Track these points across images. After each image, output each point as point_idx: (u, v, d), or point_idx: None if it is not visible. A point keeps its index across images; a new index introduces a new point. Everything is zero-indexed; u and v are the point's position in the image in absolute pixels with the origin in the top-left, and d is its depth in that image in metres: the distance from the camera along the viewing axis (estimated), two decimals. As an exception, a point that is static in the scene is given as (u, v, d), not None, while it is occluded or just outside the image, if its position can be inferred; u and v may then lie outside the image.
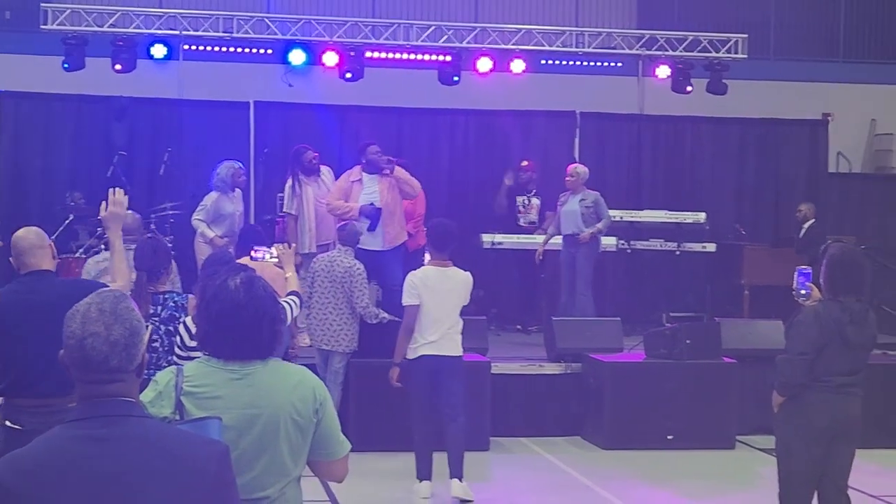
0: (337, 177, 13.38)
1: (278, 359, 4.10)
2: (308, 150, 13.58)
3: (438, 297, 9.53)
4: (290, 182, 13.44)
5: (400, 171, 12.89)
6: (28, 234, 6.47)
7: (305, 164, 13.44)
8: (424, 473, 9.69)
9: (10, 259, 6.53)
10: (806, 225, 15.94)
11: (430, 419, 9.65)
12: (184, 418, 3.85)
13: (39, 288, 6.25)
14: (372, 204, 12.69)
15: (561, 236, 14.02)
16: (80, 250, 13.39)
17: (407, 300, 9.57)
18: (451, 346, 9.59)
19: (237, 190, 13.46)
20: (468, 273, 9.75)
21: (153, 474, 2.97)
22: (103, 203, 6.82)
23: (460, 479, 9.59)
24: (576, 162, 15.41)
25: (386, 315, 11.54)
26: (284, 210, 13.49)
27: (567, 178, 14.01)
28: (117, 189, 6.83)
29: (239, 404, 3.93)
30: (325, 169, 13.70)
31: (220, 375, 3.97)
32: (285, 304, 7.04)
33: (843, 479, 7.22)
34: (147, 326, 3.37)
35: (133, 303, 3.20)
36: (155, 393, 3.93)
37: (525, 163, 15.69)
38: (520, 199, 15.57)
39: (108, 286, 6.26)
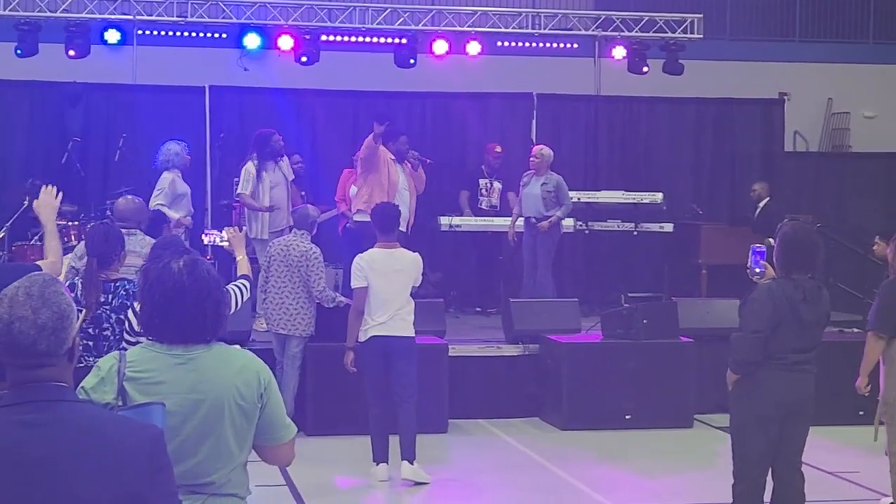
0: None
1: (221, 343, 4.06)
2: (275, 133, 13.47)
3: (386, 278, 9.55)
4: (251, 165, 13.23)
5: (420, 172, 13.37)
6: None
7: (274, 147, 13.29)
8: (380, 456, 9.70)
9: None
10: (761, 204, 16.01)
11: (383, 401, 9.64)
12: (126, 404, 3.83)
13: None
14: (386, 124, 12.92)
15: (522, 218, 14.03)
16: (36, 237, 13.29)
17: (354, 283, 9.65)
18: (402, 326, 9.60)
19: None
20: (416, 254, 9.77)
21: (84, 459, 2.95)
22: (37, 201, 7.17)
23: (411, 462, 9.59)
24: (533, 143, 15.43)
25: (343, 299, 11.52)
26: (239, 191, 13.26)
27: (532, 159, 14.02)
28: (50, 188, 7.16)
29: (182, 389, 3.89)
30: (283, 162, 13.61)
31: (163, 360, 3.93)
32: (234, 289, 7.00)
33: (796, 457, 7.26)
34: (82, 311, 3.33)
35: (64, 287, 3.17)
36: (97, 379, 3.89)
37: (499, 149, 15.72)
38: (482, 182, 15.61)
39: (40, 268, 6.31)
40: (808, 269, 7.10)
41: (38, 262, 6.97)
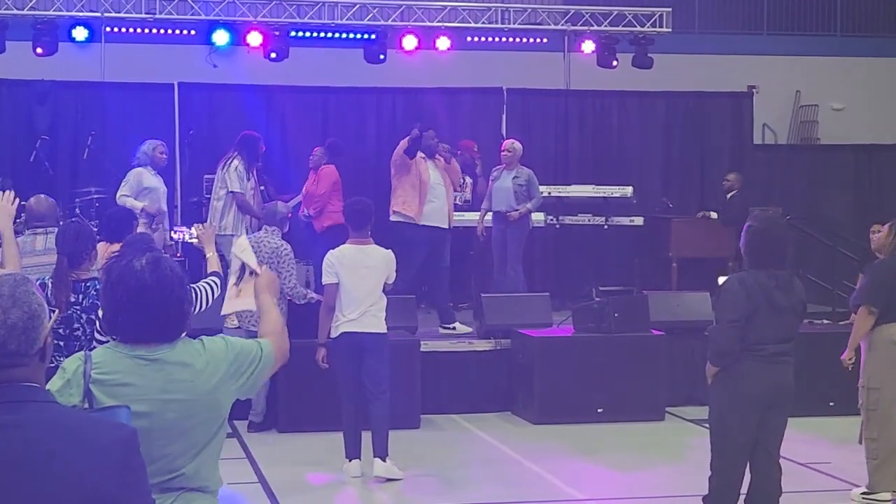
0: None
1: (185, 339, 4.01)
2: (262, 139, 13.60)
3: (357, 275, 9.54)
4: (239, 164, 13.17)
5: (454, 164, 13.47)
6: None
7: (258, 151, 13.39)
8: (353, 452, 9.69)
9: None
10: (729, 195, 16.05)
11: (355, 397, 9.63)
12: (93, 407, 3.78)
13: None
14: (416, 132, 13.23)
15: (491, 213, 14.04)
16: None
17: (325, 279, 9.64)
18: (373, 323, 9.57)
19: (159, 176, 13.29)
20: (389, 251, 9.75)
21: (54, 460, 2.93)
22: None
23: (383, 459, 9.55)
24: (504, 138, 15.45)
25: (314, 295, 11.49)
26: (231, 189, 13.13)
27: (503, 153, 14.05)
28: (7, 193, 7.16)
29: (150, 390, 3.86)
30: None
31: (129, 361, 3.89)
32: (203, 287, 6.96)
33: (775, 448, 7.27)
34: (54, 311, 3.29)
35: (36, 287, 3.14)
36: (63, 381, 3.84)
37: (476, 147, 15.74)
38: (456, 178, 15.65)
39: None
40: (776, 263, 7.12)
41: None
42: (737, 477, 7.21)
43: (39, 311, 3.09)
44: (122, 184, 12.87)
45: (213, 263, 7.43)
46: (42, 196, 9.24)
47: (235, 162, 13.16)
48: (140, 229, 9.69)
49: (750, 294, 7.00)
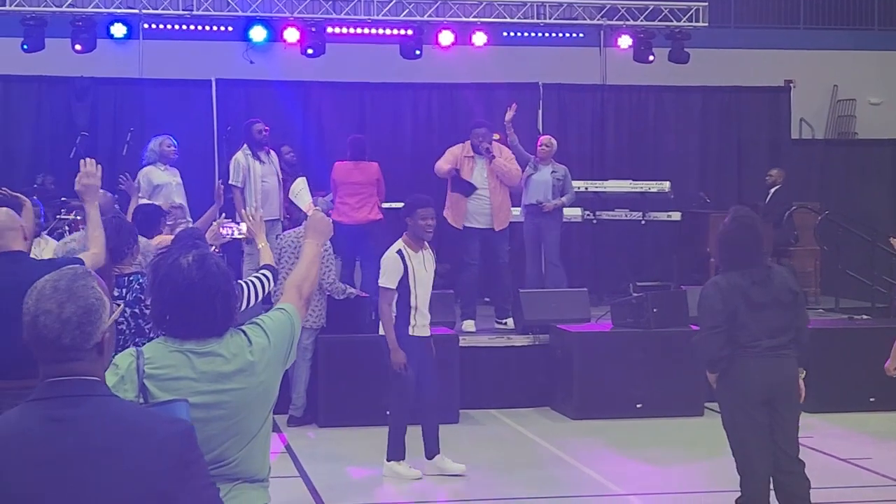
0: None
1: (233, 331, 4.03)
2: (258, 122, 13.54)
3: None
4: (240, 155, 13.32)
5: (497, 163, 13.09)
6: None
7: (255, 135, 13.37)
8: (402, 453, 9.67)
9: None
10: (772, 191, 16.01)
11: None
12: (148, 401, 3.81)
13: (11, 270, 6.20)
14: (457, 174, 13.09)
15: (521, 207, 14.02)
16: (44, 232, 13.28)
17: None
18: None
19: (174, 169, 13.33)
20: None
21: (113, 454, 2.94)
22: (78, 175, 6.72)
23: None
24: (540, 133, 15.44)
25: (353, 290, 11.55)
26: (230, 182, 13.28)
27: (541, 148, 14.05)
28: (88, 160, 6.73)
29: (202, 383, 3.88)
30: (272, 154, 13.64)
31: (179, 356, 3.92)
32: (254, 281, 6.91)
33: (791, 446, 7.16)
34: (118, 305, 3.31)
35: (98, 280, 3.15)
36: (117, 377, 3.85)
37: (497, 136, 15.68)
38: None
39: (83, 261, 6.23)
40: (750, 261, 7.08)
41: (80, 255, 6.75)
42: (763, 476, 7.11)
43: (97, 305, 3.09)
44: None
45: (266, 255, 7.31)
46: (101, 192, 9.36)
47: (238, 153, 13.34)
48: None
49: (725, 297, 6.99)
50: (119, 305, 3.34)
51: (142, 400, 3.82)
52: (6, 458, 2.93)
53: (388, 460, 9.63)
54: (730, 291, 6.98)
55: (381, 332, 9.57)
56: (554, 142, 14.17)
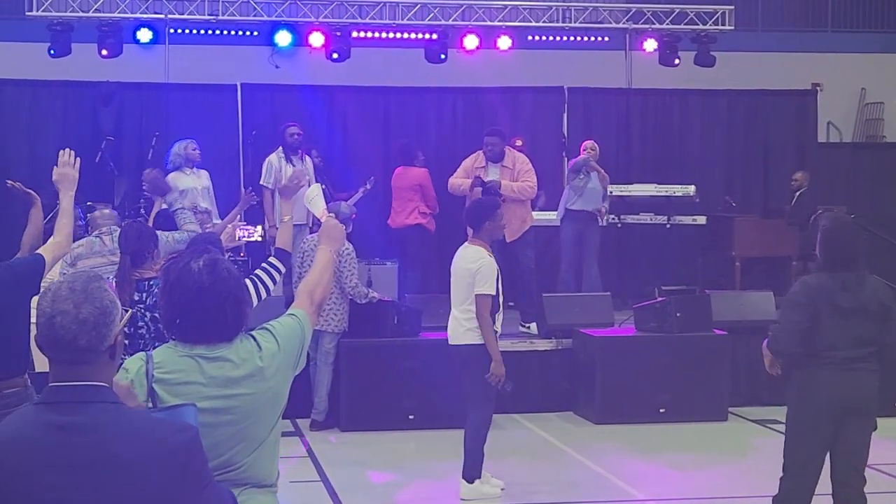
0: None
1: (243, 336, 4.05)
2: (293, 125, 13.77)
3: (454, 276, 9.18)
4: (273, 157, 13.57)
5: (505, 187, 12.78)
6: None
7: (287, 138, 13.60)
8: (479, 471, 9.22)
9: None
10: (798, 194, 15.95)
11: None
12: (157, 406, 3.82)
13: None
14: (478, 177, 12.81)
15: (558, 211, 14.07)
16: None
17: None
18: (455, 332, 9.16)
19: (201, 171, 13.40)
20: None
21: (119, 463, 2.94)
22: (56, 165, 6.82)
23: (470, 481, 9.20)
24: (564, 137, 15.46)
25: (376, 294, 11.55)
26: (261, 182, 13.48)
27: (589, 151, 14.11)
28: (66, 150, 6.80)
29: (211, 388, 3.90)
30: (307, 159, 13.75)
31: (189, 360, 3.93)
32: (261, 274, 6.82)
33: (858, 459, 6.98)
34: (127, 310, 3.32)
35: (108, 284, 3.17)
36: (127, 381, 3.85)
37: (519, 142, 15.69)
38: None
39: (43, 256, 6.34)
40: (844, 265, 6.88)
41: (42, 248, 6.79)
42: (808, 481, 6.98)
43: (111, 308, 3.11)
44: None
45: (284, 234, 6.98)
46: (107, 210, 9.73)
47: (271, 155, 13.65)
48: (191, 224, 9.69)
49: (812, 297, 6.83)
50: (128, 311, 3.33)
51: (150, 404, 3.83)
52: (11, 463, 2.94)
53: (470, 480, 9.10)
54: (816, 292, 6.83)
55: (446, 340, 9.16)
56: (598, 146, 14.31)
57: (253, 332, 4.08)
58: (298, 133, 13.65)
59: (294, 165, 13.36)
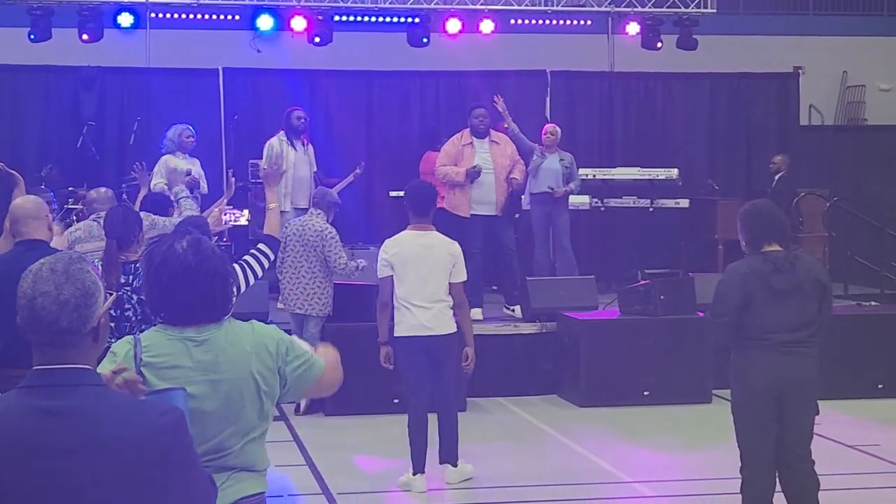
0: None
1: (234, 319, 4.03)
2: (298, 109, 13.72)
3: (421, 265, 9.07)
4: (275, 140, 13.41)
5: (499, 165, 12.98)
6: (26, 203, 6.51)
7: (293, 122, 13.47)
8: (421, 465, 9.05)
9: (6, 224, 6.59)
10: (777, 177, 15.99)
11: (426, 403, 9.07)
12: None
13: (29, 258, 6.23)
14: (476, 166, 12.84)
15: (527, 194, 13.99)
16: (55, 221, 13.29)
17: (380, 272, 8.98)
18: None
19: (194, 159, 13.33)
20: (454, 242, 9.16)
21: (105, 447, 2.92)
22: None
23: (454, 465, 9.15)
24: (547, 121, 15.43)
25: (362, 261, 11.47)
26: (261, 165, 13.33)
27: (547, 136, 14.04)
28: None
29: (200, 372, 3.87)
30: (310, 146, 13.71)
31: (178, 343, 3.91)
32: (249, 259, 6.83)
33: (801, 446, 6.89)
34: (111, 293, 3.28)
35: (91, 266, 3.13)
36: (114, 365, 3.80)
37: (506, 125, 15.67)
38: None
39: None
40: (773, 237, 6.82)
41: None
42: (765, 468, 6.89)
43: (93, 290, 3.07)
44: (154, 174, 12.78)
45: (272, 221, 6.98)
46: (102, 189, 9.59)
47: (272, 138, 13.48)
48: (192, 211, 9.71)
49: (744, 283, 6.74)
50: (112, 294, 3.29)
51: None
52: None
53: (455, 463, 9.13)
54: (748, 276, 6.74)
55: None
56: (559, 130, 14.17)
57: (254, 321, 4.07)
58: (305, 117, 13.57)
59: (296, 150, 13.32)
